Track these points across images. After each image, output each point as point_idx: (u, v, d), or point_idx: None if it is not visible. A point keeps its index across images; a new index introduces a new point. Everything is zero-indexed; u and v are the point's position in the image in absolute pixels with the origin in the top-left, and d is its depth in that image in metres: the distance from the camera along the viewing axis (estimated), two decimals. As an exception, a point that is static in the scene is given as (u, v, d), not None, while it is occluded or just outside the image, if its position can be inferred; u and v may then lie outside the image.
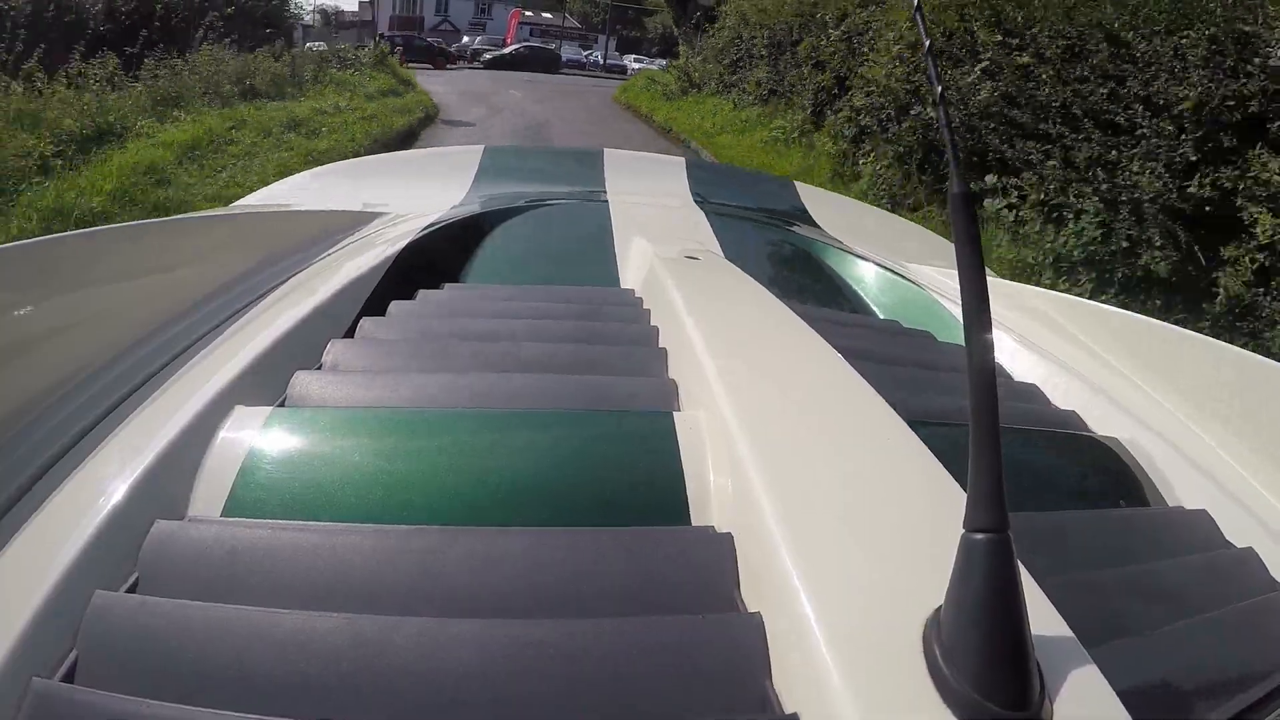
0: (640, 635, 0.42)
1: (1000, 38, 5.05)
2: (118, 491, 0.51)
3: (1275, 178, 3.35)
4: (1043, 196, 4.63)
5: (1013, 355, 0.99)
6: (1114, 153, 4.25)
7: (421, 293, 1.04)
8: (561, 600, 0.46)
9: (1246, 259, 3.57)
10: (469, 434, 0.62)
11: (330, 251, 1.17)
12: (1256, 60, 3.60)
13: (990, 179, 5.01)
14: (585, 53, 39.47)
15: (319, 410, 0.65)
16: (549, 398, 0.69)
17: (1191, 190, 3.82)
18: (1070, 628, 0.38)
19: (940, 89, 0.37)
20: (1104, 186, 4.19)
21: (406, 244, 1.18)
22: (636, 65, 31.35)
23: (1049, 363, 0.95)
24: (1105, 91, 4.35)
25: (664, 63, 22.00)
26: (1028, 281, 4.16)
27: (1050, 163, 4.56)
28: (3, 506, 0.51)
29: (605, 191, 1.97)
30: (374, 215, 1.42)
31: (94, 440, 0.58)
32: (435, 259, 1.27)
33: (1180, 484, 0.69)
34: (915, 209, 6.03)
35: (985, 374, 0.34)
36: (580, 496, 0.56)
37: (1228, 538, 0.63)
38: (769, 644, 0.41)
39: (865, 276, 1.48)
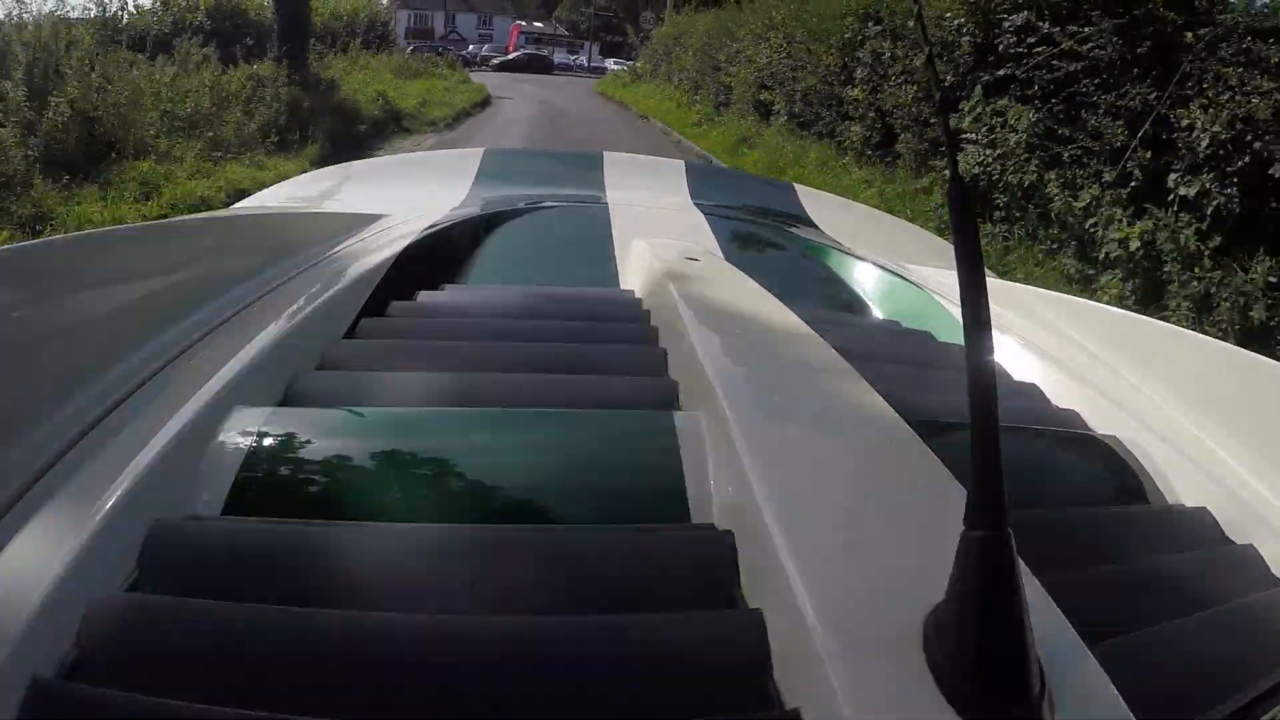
0: (640, 632, 0.42)
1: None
2: (118, 490, 0.50)
3: (856, 96, 8.08)
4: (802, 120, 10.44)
5: (1012, 354, 0.99)
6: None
7: (421, 293, 1.05)
8: (561, 598, 0.46)
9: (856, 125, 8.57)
10: (469, 434, 0.62)
11: (330, 253, 1.16)
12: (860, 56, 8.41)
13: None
14: (573, 57, 45.13)
15: (319, 410, 0.65)
16: (549, 397, 0.69)
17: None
18: (1071, 625, 0.38)
19: (940, 94, 0.38)
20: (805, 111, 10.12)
21: (407, 245, 1.18)
22: (615, 66, 35.92)
23: (1048, 362, 0.94)
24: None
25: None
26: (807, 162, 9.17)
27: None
28: (4, 505, 0.51)
29: (604, 193, 1.98)
30: (374, 218, 1.42)
31: (95, 440, 0.57)
32: (435, 260, 1.28)
33: (1180, 482, 0.69)
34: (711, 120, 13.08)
35: (985, 373, 0.34)
36: (580, 496, 0.56)
37: (1228, 535, 0.62)
38: (769, 641, 0.41)
39: (865, 277, 1.47)
